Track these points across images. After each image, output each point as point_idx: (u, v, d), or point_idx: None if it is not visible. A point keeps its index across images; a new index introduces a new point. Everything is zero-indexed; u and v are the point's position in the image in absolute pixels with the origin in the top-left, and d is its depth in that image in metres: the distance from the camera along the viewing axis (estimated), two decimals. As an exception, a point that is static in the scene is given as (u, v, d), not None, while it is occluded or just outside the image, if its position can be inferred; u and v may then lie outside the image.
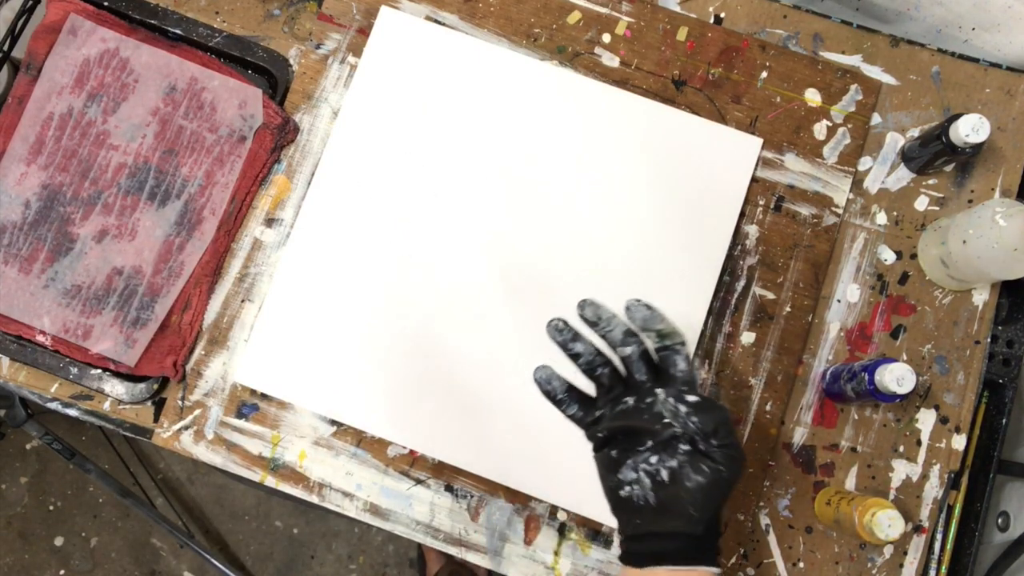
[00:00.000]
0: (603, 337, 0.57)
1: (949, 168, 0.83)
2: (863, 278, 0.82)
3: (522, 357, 0.79)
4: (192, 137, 0.83)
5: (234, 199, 0.82)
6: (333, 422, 0.80)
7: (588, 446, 0.58)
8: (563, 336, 0.58)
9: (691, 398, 0.53)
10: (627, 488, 0.54)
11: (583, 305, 0.58)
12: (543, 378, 0.59)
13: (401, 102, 0.83)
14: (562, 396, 0.59)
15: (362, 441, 0.79)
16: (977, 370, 0.80)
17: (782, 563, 0.78)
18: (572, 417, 0.59)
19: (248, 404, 0.80)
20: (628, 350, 0.56)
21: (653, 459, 0.53)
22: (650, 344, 0.56)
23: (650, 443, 0.54)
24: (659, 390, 0.54)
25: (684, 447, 0.53)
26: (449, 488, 0.79)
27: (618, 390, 0.57)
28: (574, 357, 0.59)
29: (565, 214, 0.81)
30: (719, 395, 0.79)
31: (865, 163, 0.83)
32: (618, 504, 0.55)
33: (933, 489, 0.79)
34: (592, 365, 0.58)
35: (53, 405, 0.80)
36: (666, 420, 0.53)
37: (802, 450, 0.79)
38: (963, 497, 0.80)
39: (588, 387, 0.59)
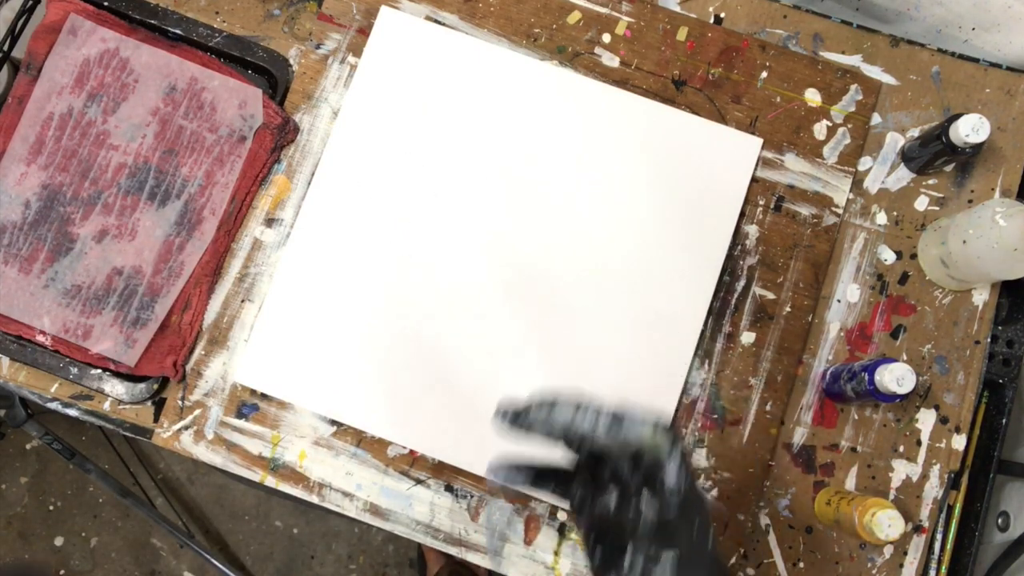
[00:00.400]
0: (571, 441, 0.46)
1: (949, 168, 0.83)
2: (863, 278, 0.82)
3: (522, 356, 0.79)
4: (192, 137, 0.83)
5: (234, 199, 0.82)
6: (333, 422, 0.80)
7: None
8: (520, 423, 0.46)
9: (669, 554, 0.44)
10: None
11: (533, 409, 0.46)
12: (503, 480, 0.48)
13: (401, 102, 0.83)
14: (533, 484, 0.49)
15: (362, 441, 0.79)
16: (977, 370, 0.80)
17: (782, 563, 0.78)
18: (552, 495, 0.49)
19: (248, 404, 0.80)
20: (605, 439, 0.45)
21: None
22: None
23: (629, 568, 0.45)
24: (644, 513, 0.44)
25: None
26: (449, 488, 0.79)
27: (603, 469, 0.47)
28: (544, 437, 0.46)
29: (565, 214, 0.81)
30: (719, 394, 0.80)
31: (865, 163, 0.83)
32: None
33: (933, 489, 0.79)
34: (568, 440, 0.46)
35: (53, 405, 0.80)
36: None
37: (802, 450, 0.79)
38: (963, 497, 0.80)
39: (561, 453, 0.49)
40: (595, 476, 0.48)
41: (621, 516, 0.45)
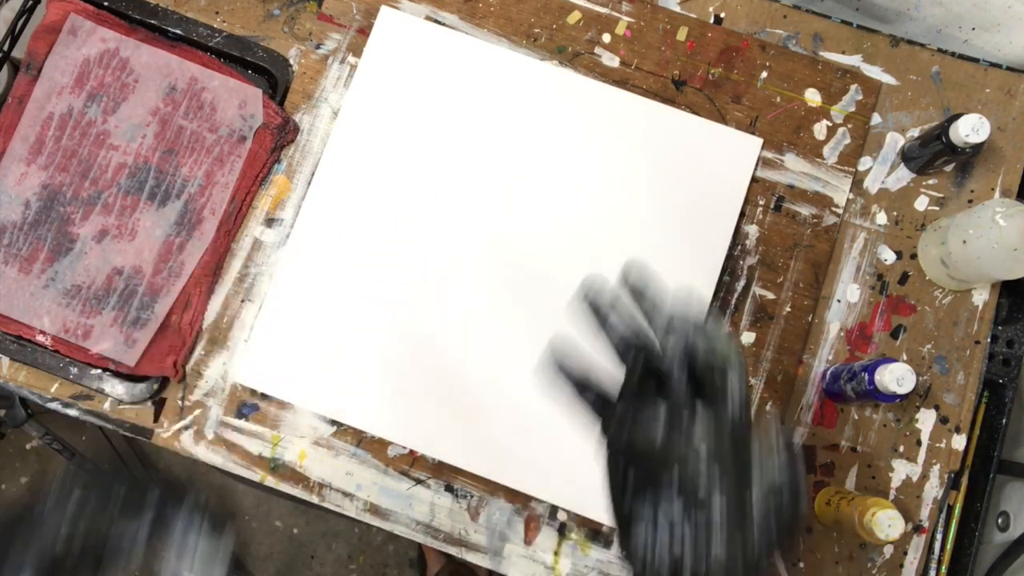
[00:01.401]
0: (645, 314, 0.45)
1: (949, 168, 0.83)
2: (863, 278, 0.82)
3: (522, 357, 0.79)
4: (192, 137, 0.83)
5: (234, 199, 0.82)
6: (333, 422, 0.79)
7: (589, 438, 0.47)
8: (602, 299, 0.45)
9: (717, 499, 0.40)
10: (641, 540, 0.42)
11: (630, 268, 0.45)
12: (560, 352, 0.46)
13: (401, 102, 0.83)
14: (579, 379, 0.46)
15: (362, 441, 0.79)
16: (977, 370, 0.80)
17: (782, 563, 0.78)
18: (588, 409, 0.46)
19: (248, 404, 0.80)
20: (671, 340, 0.43)
21: (678, 514, 0.41)
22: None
23: (678, 487, 0.41)
24: (698, 425, 0.42)
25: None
26: (449, 488, 0.79)
27: (649, 385, 0.44)
28: (605, 328, 0.45)
29: (565, 214, 0.81)
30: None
31: (865, 163, 0.83)
32: (624, 543, 0.44)
33: (933, 489, 0.79)
34: (627, 344, 0.45)
35: (53, 405, 0.80)
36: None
37: (802, 450, 0.79)
38: (963, 497, 0.80)
39: (611, 369, 0.47)
40: (641, 393, 0.44)
41: (673, 422, 0.42)
